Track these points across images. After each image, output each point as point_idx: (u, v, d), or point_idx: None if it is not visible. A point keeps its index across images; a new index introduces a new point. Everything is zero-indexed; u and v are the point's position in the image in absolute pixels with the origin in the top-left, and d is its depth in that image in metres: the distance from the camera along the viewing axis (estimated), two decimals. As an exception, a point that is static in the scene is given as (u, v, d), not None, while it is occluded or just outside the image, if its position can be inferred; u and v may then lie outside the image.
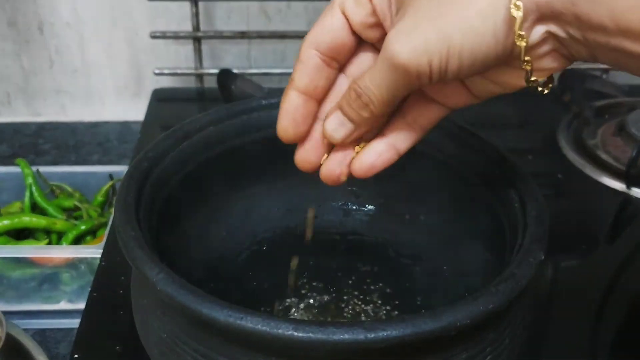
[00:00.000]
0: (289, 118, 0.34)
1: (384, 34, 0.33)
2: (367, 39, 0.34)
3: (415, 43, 0.29)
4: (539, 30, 0.29)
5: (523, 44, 0.28)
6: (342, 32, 0.33)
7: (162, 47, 0.80)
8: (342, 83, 0.35)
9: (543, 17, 0.28)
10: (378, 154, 0.35)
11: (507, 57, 0.29)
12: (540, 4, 0.27)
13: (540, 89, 0.31)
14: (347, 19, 0.33)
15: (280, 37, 0.80)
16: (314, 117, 0.35)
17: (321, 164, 0.36)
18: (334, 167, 0.35)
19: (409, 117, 0.35)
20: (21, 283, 0.57)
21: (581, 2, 0.26)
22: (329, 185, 0.36)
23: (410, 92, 0.32)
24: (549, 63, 0.30)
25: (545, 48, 0.29)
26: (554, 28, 0.28)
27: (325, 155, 0.36)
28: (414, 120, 0.35)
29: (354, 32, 0.33)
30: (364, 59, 0.35)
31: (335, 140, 0.34)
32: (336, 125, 0.33)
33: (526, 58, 0.29)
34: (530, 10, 0.28)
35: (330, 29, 0.33)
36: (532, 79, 0.30)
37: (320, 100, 0.35)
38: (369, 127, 0.34)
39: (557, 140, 0.70)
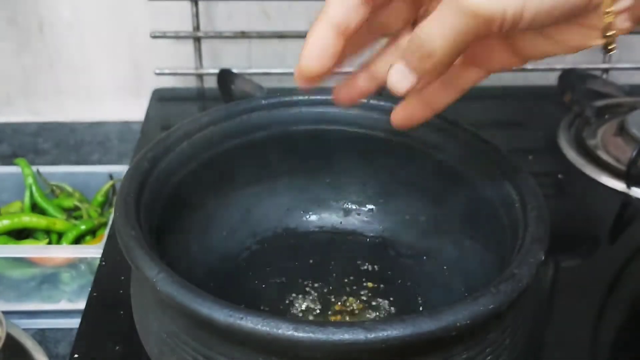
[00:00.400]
0: (315, 52, 0.31)
1: None
2: None
3: None
4: None
5: None
6: None
7: (163, 46, 0.80)
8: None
9: None
10: (413, 109, 0.35)
11: (585, 7, 0.28)
12: None
13: (610, 46, 0.30)
14: None
15: (281, 37, 0.80)
16: (339, 59, 0.33)
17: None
18: (345, 93, 0.36)
19: (445, 77, 0.33)
20: (21, 283, 0.57)
21: None
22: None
23: (476, 40, 0.29)
24: (621, 22, 0.29)
25: (625, 3, 0.28)
26: None
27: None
28: (450, 81, 0.34)
29: None
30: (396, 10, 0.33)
31: (398, 93, 0.31)
32: (399, 77, 0.30)
33: (609, 10, 0.28)
34: None
35: None
36: (609, 33, 0.29)
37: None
38: (432, 79, 0.32)
39: (558, 141, 0.70)
